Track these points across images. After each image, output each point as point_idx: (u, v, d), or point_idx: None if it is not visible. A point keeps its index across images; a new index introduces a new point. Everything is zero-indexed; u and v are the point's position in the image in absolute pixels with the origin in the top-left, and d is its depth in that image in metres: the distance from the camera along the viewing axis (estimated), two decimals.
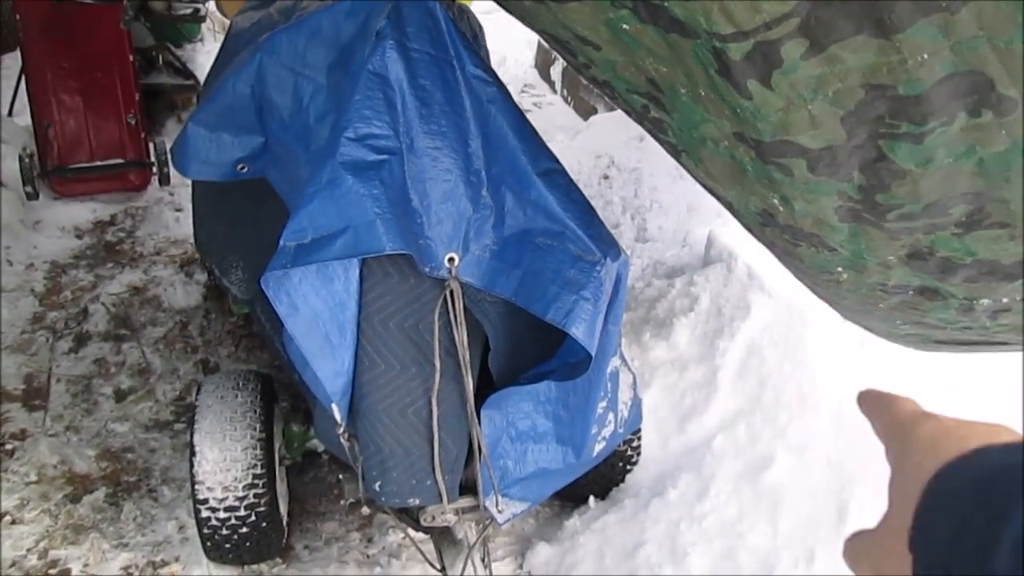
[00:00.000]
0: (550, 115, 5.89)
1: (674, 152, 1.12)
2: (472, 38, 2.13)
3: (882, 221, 0.89)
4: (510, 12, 1.29)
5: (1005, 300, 0.95)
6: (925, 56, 0.72)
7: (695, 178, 1.16)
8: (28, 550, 2.49)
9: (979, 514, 0.41)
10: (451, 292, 1.75)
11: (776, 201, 0.95)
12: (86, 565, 2.46)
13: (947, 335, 1.12)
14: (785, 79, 0.80)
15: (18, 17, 4.04)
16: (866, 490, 2.22)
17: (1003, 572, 0.38)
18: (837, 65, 0.77)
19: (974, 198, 0.83)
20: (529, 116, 1.84)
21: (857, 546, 0.53)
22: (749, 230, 1.19)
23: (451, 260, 1.73)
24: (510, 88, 1.83)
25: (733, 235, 2.93)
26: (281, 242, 1.59)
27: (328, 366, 1.74)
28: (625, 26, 0.91)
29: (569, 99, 6.07)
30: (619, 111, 1.30)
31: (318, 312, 1.70)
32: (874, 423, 0.58)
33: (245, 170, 2.02)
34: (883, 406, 0.57)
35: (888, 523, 0.50)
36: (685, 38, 0.84)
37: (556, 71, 6.26)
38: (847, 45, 0.75)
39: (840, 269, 1.02)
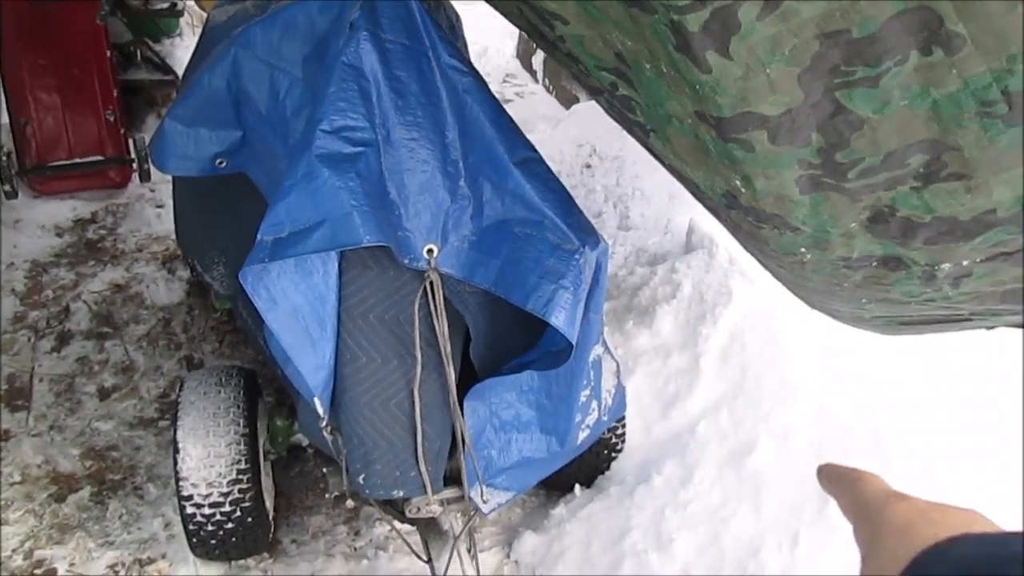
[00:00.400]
0: (532, 104, 5.87)
1: (643, 133, 1.12)
2: (448, 28, 2.12)
3: (843, 182, 0.91)
4: None
5: (965, 263, 0.96)
6: None
7: (663, 161, 1.16)
8: (13, 551, 2.48)
9: None
10: (431, 283, 1.75)
11: (738, 182, 0.96)
12: (72, 564, 2.45)
13: (912, 311, 1.14)
14: (743, 44, 0.81)
15: None
16: None
17: None
18: (792, 19, 0.78)
19: (930, 146, 0.85)
20: (511, 106, 1.84)
21: None
22: (715, 214, 1.20)
23: (430, 251, 1.73)
24: (492, 78, 1.83)
25: (714, 222, 2.93)
26: (258, 236, 1.59)
27: (309, 360, 1.74)
28: None
29: (551, 88, 6.06)
30: None
31: (298, 306, 1.69)
32: (839, 500, 0.56)
33: (224, 165, 2.01)
34: (847, 483, 0.56)
35: None
36: (644, 13, 0.85)
37: (538, 61, 6.23)
38: None
39: (804, 249, 1.04)
